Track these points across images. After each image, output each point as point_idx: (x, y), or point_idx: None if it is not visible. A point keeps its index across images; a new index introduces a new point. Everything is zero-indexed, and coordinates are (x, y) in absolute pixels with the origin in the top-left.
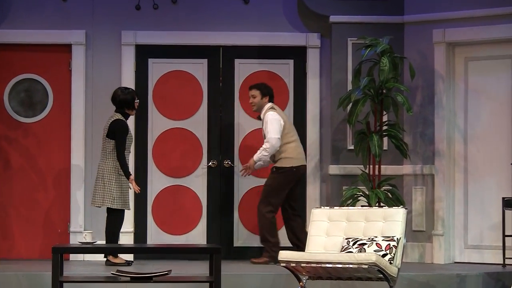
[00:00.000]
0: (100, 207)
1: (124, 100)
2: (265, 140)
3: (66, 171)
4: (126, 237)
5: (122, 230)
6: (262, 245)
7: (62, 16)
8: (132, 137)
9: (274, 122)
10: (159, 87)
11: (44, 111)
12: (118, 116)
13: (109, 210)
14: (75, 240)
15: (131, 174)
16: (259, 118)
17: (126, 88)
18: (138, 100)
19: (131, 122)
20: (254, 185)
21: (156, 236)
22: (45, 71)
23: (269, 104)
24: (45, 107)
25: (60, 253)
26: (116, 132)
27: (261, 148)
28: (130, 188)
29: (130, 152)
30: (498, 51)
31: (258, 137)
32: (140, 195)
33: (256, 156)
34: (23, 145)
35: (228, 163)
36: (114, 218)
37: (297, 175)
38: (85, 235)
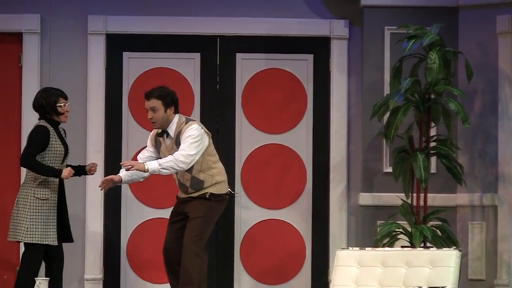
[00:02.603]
0: (13, 241)
1: (41, 106)
2: (181, 151)
3: (14, 197)
4: (92, 286)
5: (87, 276)
6: None
7: None
8: (59, 150)
9: (198, 141)
10: (136, 89)
11: None
12: (40, 122)
13: (24, 245)
14: None
15: (59, 170)
16: (161, 134)
17: (47, 90)
18: (65, 103)
19: (100, 133)
20: (263, 217)
21: (132, 284)
22: None
23: (182, 117)
24: None
25: None
26: (28, 137)
27: (174, 158)
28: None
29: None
30: None
31: (267, 155)
32: (110, 231)
33: (162, 163)
34: None
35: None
36: (28, 256)
37: (226, 204)
38: (39, 283)
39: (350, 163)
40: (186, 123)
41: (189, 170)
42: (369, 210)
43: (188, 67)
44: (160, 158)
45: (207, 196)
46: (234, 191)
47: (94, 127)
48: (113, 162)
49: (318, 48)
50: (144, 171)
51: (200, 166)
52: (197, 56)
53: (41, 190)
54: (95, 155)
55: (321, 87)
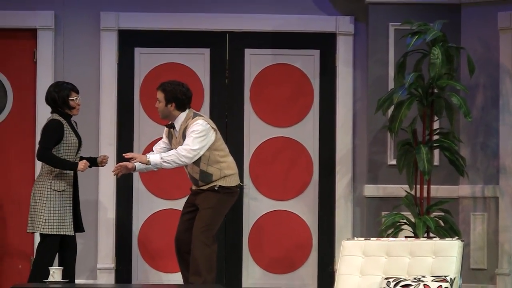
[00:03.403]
0: (33, 233)
1: (54, 99)
2: (184, 146)
3: (29, 191)
4: (104, 275)
5: (99, 266)
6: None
7: None
8: (73, 142)
9: (203, 136)
10: (148, 84)
11: (2, 114)
12: (54, 116)
13: (40, 236)
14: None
15: (75, 163)
16: (170, 125)
17: (58, 84)
18: (76, 97)
19: (112, 126)
20: (271, 208)
21: (143, 274)
22: (2, 63)
23: (191, 112)
24: (3, 109)
25: None
26: (42, 131)
27: (177, 152)
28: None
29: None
30: None
31: (274, 147)
32: (122, 222)
33: (163, 156)
34: None
35: None
36: (44, 247)
37: (237, 197)
38: (53, 272)
39: (356, 156)
40: (193, 118)
41: (197, 164)
42: (374, 201)
43: (198, 62)
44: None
45: (216, 188)
46: (242, 183)
47: (106, 121)
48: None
49: (324, 44)
50: (146, 164)
51: (208, 160)
52: (206, 51)
53: (58, 182)
54: (108, 148)
55: (327, 81)
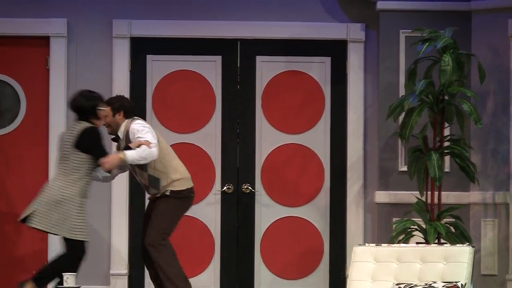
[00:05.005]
0: (48, 233)
1: (83, 107)
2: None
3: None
4: (118, 281)
5: (112, 271)
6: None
7: (37, 1)
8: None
9: (147, 129)
10: (160, 91)
11: (15, 121)
12: (87, 124)
13: (68, 241)
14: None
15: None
16: (114, 139)
17: (89, 93)
18: (103, 109)
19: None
20: (283, 215)
21: None
22: (15, 71)
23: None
24: (16, 116)
25: None
26: (92, 141)
27: (143, 147)
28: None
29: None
30: None
31: (286, 154)
32: (136, 227)
33: (136, 153)
34: None
35: (247, 187)
36: (76, 252)
37: (192, 201)
38: (67, 277)
39: (367, 162)
40: (131, 121)
41: (145, 169)
42: (385, 207)
43: (209, 69)
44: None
45: (168, 194)
46: (254, 189)
47: None
48: None
49: (336, 51)
50: (123, 161)
51: (154, 165)
52: (218, 58)
53: (85, 189)
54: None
55: (339, 88)
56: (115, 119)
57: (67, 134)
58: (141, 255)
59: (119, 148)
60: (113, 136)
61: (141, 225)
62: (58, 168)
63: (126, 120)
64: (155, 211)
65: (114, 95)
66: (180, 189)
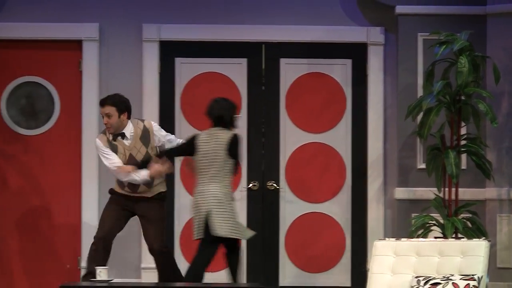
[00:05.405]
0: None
1: (222, 116)
2: (168, 137)
3: (76, 194)
4: (149, 274)
5: (143, 265)
6: None
7: (70, 6)
8: None
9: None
10: (188, 92)
11: (49, 122)
12: (232, 132)
13: (233, 243)
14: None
15: None
16: (119, 135)
17: (226, 100)
18: (240, 116)
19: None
20: (306, 211)
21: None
22: (50, 73)
23: (135, 119)
24: (50, 117)
25: None
26: (238, 149)
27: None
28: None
29: None
30: None
31: (309, 152)
32: (166, 222)
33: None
34: (23, 163)
35: (272, 184)
36: (238, 252)
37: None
38: (100, 271)
39: (386, 160)
40: (142, 121)
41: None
42: (404, 203)
43: (235, 71)
44: (119, 159)
45: (162, 196)
46: (279, 186)
47: None
48: None
49: (356, 53)
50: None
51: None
52: (244, 61)
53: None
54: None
55: (359, 89)
56: (121, 120)
57: (210, 141)
58: (102, 245)
59: (112, 147)
60: (110, 138)
61: (108, 216)
62: (204, 174)
63: (131, 120)
64: (155, 216)
65: (143, 96)
66: (165, 190)
